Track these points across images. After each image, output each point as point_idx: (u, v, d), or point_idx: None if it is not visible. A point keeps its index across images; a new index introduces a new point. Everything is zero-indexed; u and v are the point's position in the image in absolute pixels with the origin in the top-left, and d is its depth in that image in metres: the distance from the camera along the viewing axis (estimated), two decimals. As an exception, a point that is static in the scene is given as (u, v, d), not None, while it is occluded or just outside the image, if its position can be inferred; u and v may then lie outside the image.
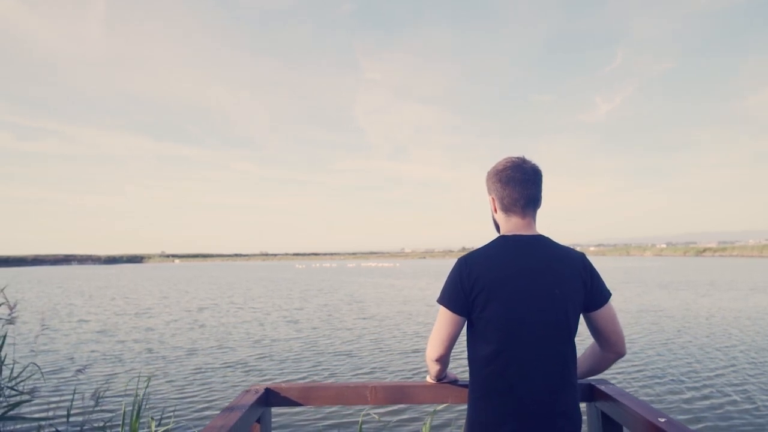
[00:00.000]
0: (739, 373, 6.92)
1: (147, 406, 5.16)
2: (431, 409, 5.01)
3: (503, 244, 1.38)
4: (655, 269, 45.00)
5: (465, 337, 1.43)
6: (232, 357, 8.67)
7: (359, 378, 7.07)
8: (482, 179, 1.53)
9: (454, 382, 1.63)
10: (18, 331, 11.07)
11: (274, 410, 1.82)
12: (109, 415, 4.99)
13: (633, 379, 6.74)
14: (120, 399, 5.93)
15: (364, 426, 4.93)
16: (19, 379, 2.93)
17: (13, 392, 2.80)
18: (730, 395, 5.89)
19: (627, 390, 5.80)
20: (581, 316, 1.39)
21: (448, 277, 1.38)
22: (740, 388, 6.20)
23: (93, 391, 3.83)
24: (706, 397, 5.82)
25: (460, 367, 1.49)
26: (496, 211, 1.48)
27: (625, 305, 15.55)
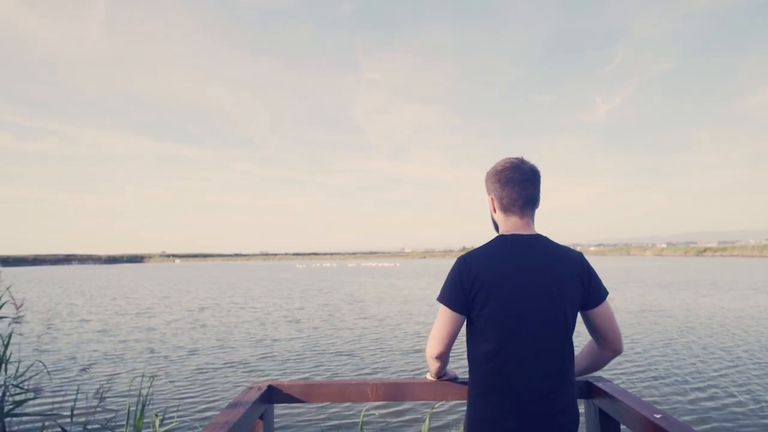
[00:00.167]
0: (741, 373, 6.93)
1: (150, 405, 5.19)
2: (431, 406, 5.07)
3: (502, 244, 1.41)
4: (656, 269, 44.99)
5: (465, 336, 1.46)
6: (234, 356, 8.70)
7: (360, 377, 7.10)
8: (482, 179, 1.55)
9: (454, 379, 1.66)
10: (19, 330, 11.09)
11: (277, 407, 1.85)
12: (113, 413, 5.02)
13: (636, 379, 6.75)
14: (123, 398, 5.97)
15: (365, 423, 4.97)
16: (23, 378, 2.97)
17: (18, 390, 2.84)
18: (732, 395, 5.91)
19: (630, 390, 5.83)
20: (579, 315, 1.42)
21: (448, 275, 1.41)
22: (743, 387, 6.21)
23: (96, 389, 3.87)
24: (710, 398, 5.83)
25: (461, 368, 1.52)
26: (495, 211, 1.50)
27: (626, 305, 15.57)
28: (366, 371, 7.51)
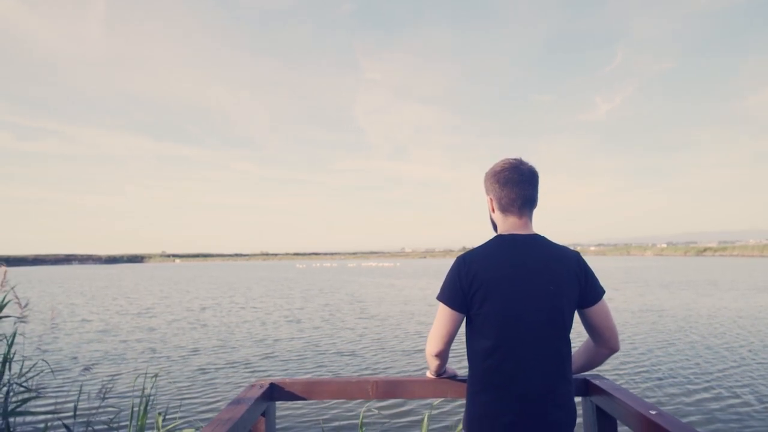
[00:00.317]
0: (742, 373, 6.94)
1: (152, 404, 5.23)
2: (431, 403, 5.13)
3: (500, 243, 1.43)
4: (656, 269, 45.00)
5: (464, 335, 1.48)
6: (235, 356, 8.72)
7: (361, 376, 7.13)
8: (482, 179, 1.57)
9: (453, 377, 1.68)
10: (21, 330, 11.12)
11: (279, 404, 1.87)
12: (115, 411, 5.06)
13: (640, 379, 6.75)
14: (125, 397, 6.01)
15: (365, 420, 5.02)
16: (27, 377, 3.00)
17: (22, 389, 2.87)
18: (733, 394, 5.93)
19: (633, 390, 5.85)
20: (576, 313, 1.44)
21: (448, 274, 1.43)
22: (744, 387, 6.22)
23: (98, 388, 3.89)
24: (714, 397, 5.83)
25: (462, 368, 1.54)
26: (493, 211, 1.53)
27: (626, 305, 15.59)
28: (367, 372, 7.53)
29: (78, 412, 3.20)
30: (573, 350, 1.48)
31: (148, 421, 3.27)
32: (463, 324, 1.45)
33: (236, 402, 1.52)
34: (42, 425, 3.71)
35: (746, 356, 8.01)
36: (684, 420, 4.92)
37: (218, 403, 5.88)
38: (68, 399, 5.43)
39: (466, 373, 1.49)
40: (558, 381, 1.36)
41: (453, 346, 1.50)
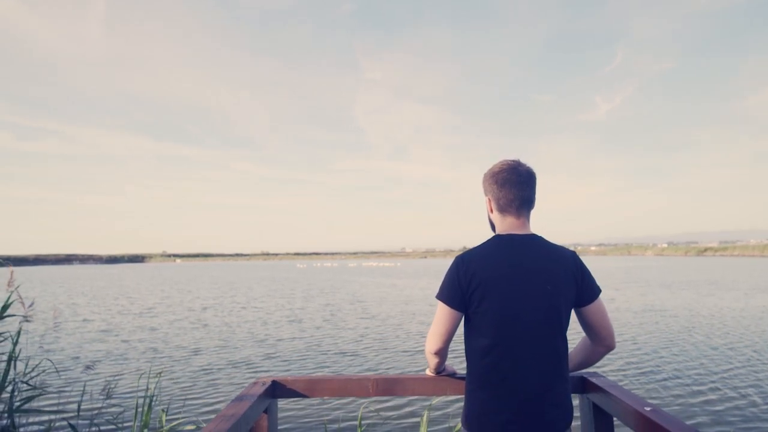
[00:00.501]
0: (747, 374, 6.94)
1: (155, 402, 5.27)
2: (430, 401, 5.19)
3: (498, 243, 1.46)
4: (657, 269, 44.98)
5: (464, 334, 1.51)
6: (237, 356, 8.75)
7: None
8: (482, 179, 1.61)
9: (452, 374, 1.71)
10: (24, 329, 11.17)
11: (280, 401, 1.90)
12: (119, 410, 5.11)
13: (644, 380, 6.74)
14: (128, 395, 6.06)
15: (365, 416, 5.09)
16: (31, 375, 3.03)
17: (27, 387, 2.90)
18: (739, 395, 5.92)
19: (635, 390, 5.87)
20: (573, 312, 1.47)
21: (447, 274, 1.46)
22: (750, 387, 6.22)
23: (101, 387, 3.93)
24: (719, 399, 5.83)
25: (462, 368, 1.57)
26: (492, 211, 1.56)
27: (628, 305, 15.60)
28: (369, 372, 7.57)
29: (81, 411, 3.23)
30: (570, 348, 1.51)
31: (151, 419, 3.31)
32: (462, 322, 1.48)
33: (239, 399, 1.55)
34: (46, 423, 3.74)
35: (752, 357, 8.01)
36: (689, 422, 4.95)
37: (221, 403, 5.91)
38: (72, 397, 5.48)
39: (465, 371, 1.52)
40: (555, 379, 1.38)
41: (452, 346, 1.53)
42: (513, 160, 1.54)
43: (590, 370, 1.73)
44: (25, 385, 2.92)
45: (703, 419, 5.12)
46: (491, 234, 1.56)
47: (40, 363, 3.36)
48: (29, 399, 2.73)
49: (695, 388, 6.23)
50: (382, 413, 5.26)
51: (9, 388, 2.75)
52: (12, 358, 2.74)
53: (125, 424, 4.29)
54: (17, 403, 2.70)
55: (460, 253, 1.50)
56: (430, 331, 1.49)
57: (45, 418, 3.97)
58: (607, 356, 7.80)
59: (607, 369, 7.24)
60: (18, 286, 3.19)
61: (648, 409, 1.36)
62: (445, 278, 1.46)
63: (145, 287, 30.35)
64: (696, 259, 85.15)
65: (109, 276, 51.17)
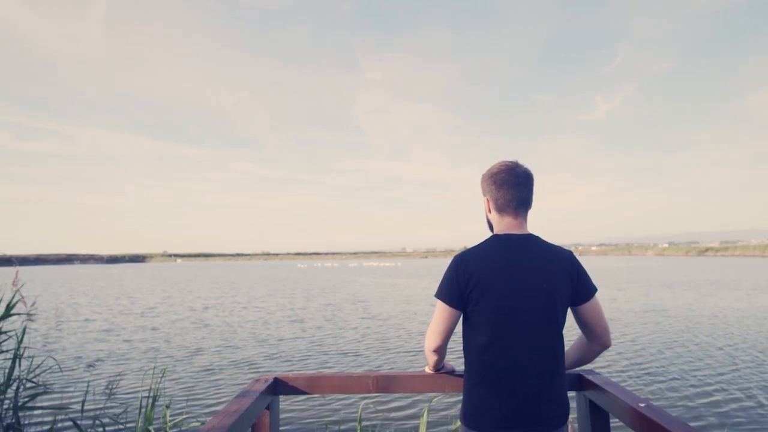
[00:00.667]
0: (747, 373, 6.96)
1: (158, 401, 5.32)
2: (429, 398, 5.24)
3: (496, 243, 1.49)
4: (658, 269, 44.92)
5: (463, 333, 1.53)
6: (238, 355, 8.79)
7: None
8: (480, 180, 1.63)
9: (451, 372, 1.73)
10: (27, 328, 11.23)
11: (282, 398, 1.93)
12: (122, 407, 5.15)
13: (645, 381, 6.75)
14: (131, 394, 6.11)
15: (365, 413, 5.15)
16: (35, 373, 3.06)
17: (31, 384, 2.94)
18: (742, 395, 5.94)
19: (636, 391, 5.88)
20: (569, 311, 1.50)
21: (445, 273, 1.49)
22: (753, 388, 6.24)
23: (104, 386, 3.96)
24: (723, 400, 5.84)
25: (461, 366, 1.60)
26: (490, 211, 1.58)
27: (629, 305, 15.62)
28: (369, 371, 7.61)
29: (85, 409, 3.26)
30: (566, 346, 1.53)
31: (154, 417, 3.34)
32: (461, 320, 1.51)
33: (242, 395, 1.58)
34: (50, 420, 3.78)
35: (756, 356, 8.01)
36: (693, 423, 4.97)
37: (223, 402, 5.95)
38: (75, 396, 5.51)
39: (463, 369, 1.55)
40: (552, 377, 1.41)
41: (451, 345, 1.56)
42: (511, 161, 1.56)
43: (586, 367, 1.76)
44: (29, 382, 2.95)
45: (706, 420, 5.15)
46: (489, 234, 1.59)
47: (43, 361, 3.39)
48: (33, 396, 2.76)
49: (699, 388, 6.24)
50: (382, 411, 5.31)
51: (14, 386, 2.79)
52: (17, 356, 2.78)
53: (128, 424, 4.32)
54: (22, 401, 2.74)
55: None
56: (428, 330, 1.52)
57: (49, 414, 4.01)
58: (609, 356, 7.88)
59: (609, 369, 7.27)
60: (21, 285, 3.22)
61: (642, 405, 1.39)
62: (443, 277, 1.49)
63: (146, 287, 30.40)
64: (697, 259, 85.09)
65: (109, 276, 51.23)
